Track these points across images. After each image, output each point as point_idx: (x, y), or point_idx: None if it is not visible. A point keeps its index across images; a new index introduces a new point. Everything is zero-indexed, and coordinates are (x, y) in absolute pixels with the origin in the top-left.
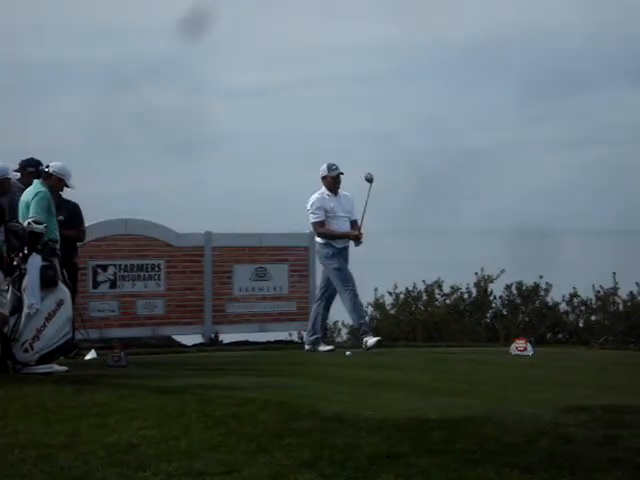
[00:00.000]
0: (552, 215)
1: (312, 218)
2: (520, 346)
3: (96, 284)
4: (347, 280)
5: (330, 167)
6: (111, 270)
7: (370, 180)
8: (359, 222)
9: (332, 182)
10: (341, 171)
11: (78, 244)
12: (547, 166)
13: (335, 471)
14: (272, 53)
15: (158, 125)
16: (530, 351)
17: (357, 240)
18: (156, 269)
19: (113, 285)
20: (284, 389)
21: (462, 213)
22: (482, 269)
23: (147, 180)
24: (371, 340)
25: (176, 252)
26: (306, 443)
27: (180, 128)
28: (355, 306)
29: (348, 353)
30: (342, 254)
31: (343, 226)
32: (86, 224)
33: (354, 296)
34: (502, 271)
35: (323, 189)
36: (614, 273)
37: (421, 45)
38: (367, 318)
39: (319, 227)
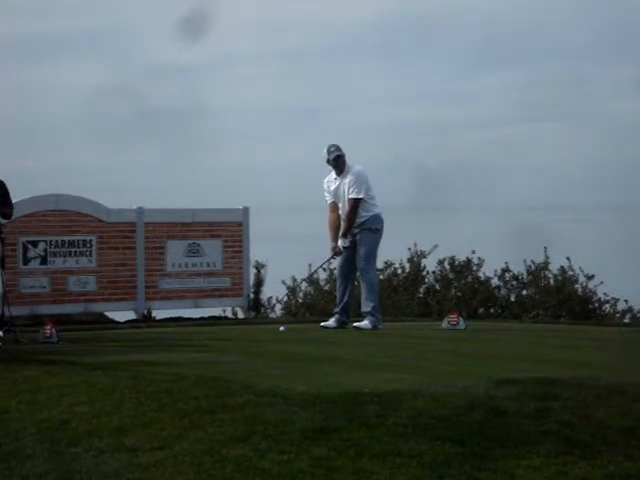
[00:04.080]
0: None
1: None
2: (452, 320)
3: (26, 260)
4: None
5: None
6: (42, 246)
7: None
8: None
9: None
10: (330, 156)
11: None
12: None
13: (268, 445)
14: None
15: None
16: (462, 325)
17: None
18: (88, 245)
19: (44, 261)
20: (217, 365)
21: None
22: (415, 244)
23: (79, 156)
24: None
25: (108, 228)
26: (239, 418)
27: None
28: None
29: (282, 328)
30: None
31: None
32: (16, 200)
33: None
34: (435, 246)
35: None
36: (545, 248)
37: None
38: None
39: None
